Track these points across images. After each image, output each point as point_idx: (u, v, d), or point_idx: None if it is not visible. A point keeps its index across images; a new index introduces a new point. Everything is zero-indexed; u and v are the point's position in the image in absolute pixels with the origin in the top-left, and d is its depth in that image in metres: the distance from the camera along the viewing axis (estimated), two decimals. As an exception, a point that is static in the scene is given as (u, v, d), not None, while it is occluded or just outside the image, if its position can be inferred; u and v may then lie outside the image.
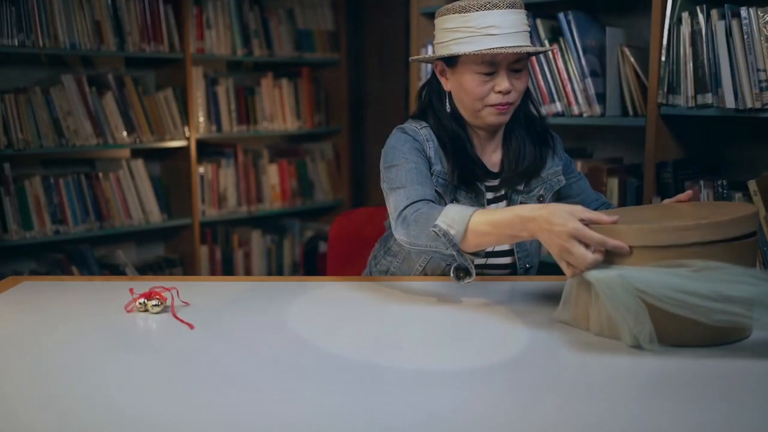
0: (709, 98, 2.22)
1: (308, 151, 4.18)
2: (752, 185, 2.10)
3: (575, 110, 2.63)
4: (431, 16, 3.06)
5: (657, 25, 2.32)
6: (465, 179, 1.69)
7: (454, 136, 1.70)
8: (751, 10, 2.09)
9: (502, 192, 1.75)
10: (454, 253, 1.44)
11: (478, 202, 1.72)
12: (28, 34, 3.02)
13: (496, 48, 1.58)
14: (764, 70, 2.08)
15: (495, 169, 1.75)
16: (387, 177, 1.65)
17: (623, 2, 2.74)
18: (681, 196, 1.50)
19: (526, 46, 1.62)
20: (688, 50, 2.25)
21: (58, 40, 3.10)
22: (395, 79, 4.11)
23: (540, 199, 1.76)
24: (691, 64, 2.24)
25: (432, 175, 1.67)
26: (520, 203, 1.73)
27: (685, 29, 2.25)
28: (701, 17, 2.20)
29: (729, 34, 2.14)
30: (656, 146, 2.37)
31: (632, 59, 2.53)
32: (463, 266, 1.47)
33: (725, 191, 2.22)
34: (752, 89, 2.11)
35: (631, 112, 2.57)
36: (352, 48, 4.26)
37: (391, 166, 1.65)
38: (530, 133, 1.76)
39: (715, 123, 2.48)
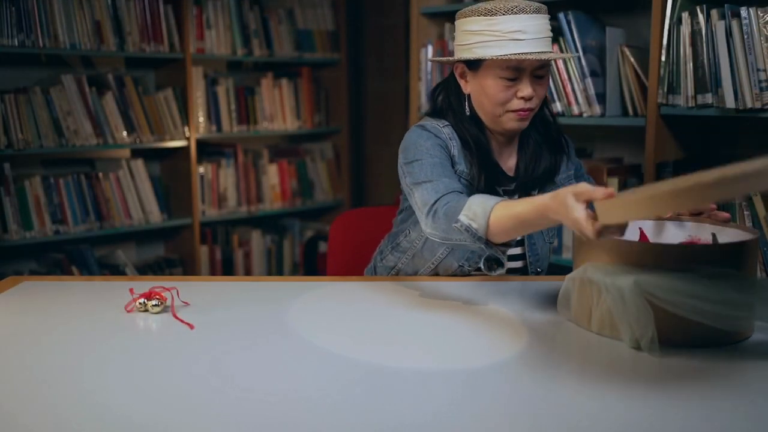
0: (709, 98, 2.22)
1: (308, 151, 4.18)
2: (752, 185, 2.09)
3: (575, 110, 2.63)
4: (431, 16, 3.07)
5: (657, 25, 2.32)
6: (488, 183, 1.67)
7: (476, 139, 1.67)
8: (751, 10, 2.09)
9: (517, 197, 1.73)
10: (483, 245, 1.43)
11: None
12: (28, 34, 3.02)
13: (524, 53, 1.54)
14: (764, 70, 2.08)
15: (510, 173, 1.74)
16: (410, 171, 1.61)
17: (623, 2, 2.74)
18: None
19: (551, 52, 1.59)
20: (688, 50, 2.24)
21: (58, 40, 3.10)
22: (395, 79, 4.11)
23: None
24: (691, 64, 2.24)
25: (455, 174, 1.65)
26: None
27: (685, 29, 2.24)
28: (701, 17, 2.20)
29: (729, 34, 2.14)
30: (656, 146, 2.37)
31: (632, 59, 2.53)
32: (493, 257, 1.47)
33: (725, 191, 2.22)
34: (752, 89, 2.11)
35: (631, 112, 2.57)
36: (352, 48, 4.26)
37: (414, 160, 1.61)
38: (546, 138, 1.75)
39: (715, 123, 2.48)
